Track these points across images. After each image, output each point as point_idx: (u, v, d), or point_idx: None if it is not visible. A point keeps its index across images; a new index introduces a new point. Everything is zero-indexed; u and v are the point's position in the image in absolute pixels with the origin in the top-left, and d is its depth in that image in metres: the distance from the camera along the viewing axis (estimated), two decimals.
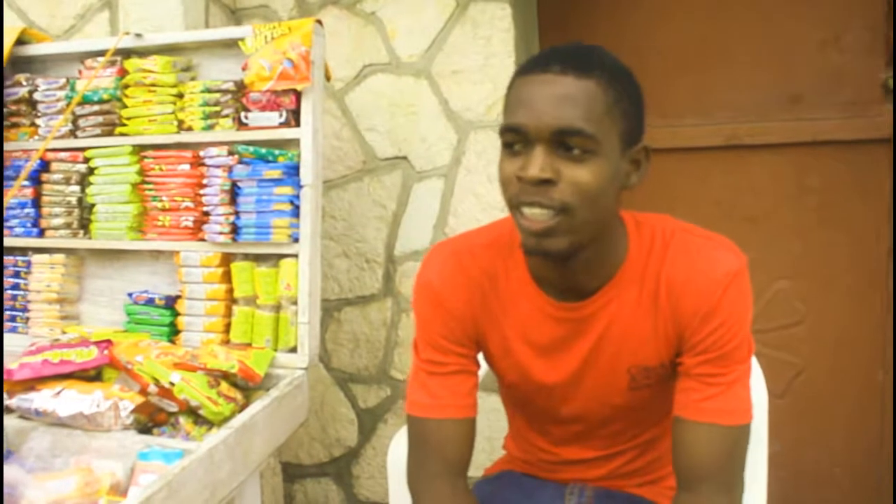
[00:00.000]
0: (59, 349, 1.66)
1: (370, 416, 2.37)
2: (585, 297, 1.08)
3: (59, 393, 1.57)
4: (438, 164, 2.20)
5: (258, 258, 1.87)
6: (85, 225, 1.99)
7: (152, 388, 1.59)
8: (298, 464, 2.47)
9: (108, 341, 1.75)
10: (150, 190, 1.91)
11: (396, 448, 1.44)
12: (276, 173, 1.79)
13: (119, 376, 1.66)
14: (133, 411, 1.55)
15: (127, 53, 1.94)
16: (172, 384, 1.57)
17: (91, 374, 1.66)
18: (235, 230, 1.83)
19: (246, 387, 1.70)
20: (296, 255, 1.80)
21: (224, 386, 1.63)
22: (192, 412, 1.60)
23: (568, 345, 1.11)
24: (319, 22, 1.81)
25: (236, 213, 1.84)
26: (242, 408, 1.63)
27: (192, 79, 1.93)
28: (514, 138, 0.98)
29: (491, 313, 1.14)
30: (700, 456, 1.02)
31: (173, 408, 1.60)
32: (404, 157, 2.23)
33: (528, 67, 1.00)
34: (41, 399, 1.57)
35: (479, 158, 2.16)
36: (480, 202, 2.17)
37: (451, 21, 2.13)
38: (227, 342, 1.86)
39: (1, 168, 1.99)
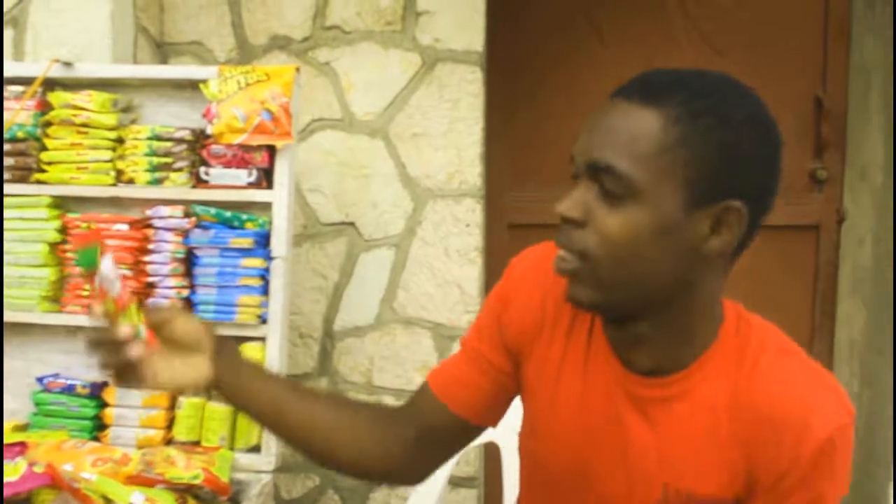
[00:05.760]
0: None
1: None
2: (652, 376, 0.87)
3: None
4: (390, 233, 2.00)
5: None
6: None
7: None
8: None
9: (22, 444, 1.39)
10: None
11: None
12: (246, 242, 1.52)
13: (57, 497, 1.29)
14: None
15: (50, 84, 1.59)
16: None
17: (21, 497, 1.28)
18: (190, 307, 1.54)
19: (212, 501, 1.40)
20: (261, 338, 1.55)
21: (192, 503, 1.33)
22: None
23: (609, 416, 0.89)
24: (297, 70, 1.59)
25: (191, 287, 1.54)
26: None
27: (133, 121, 1.62)
28: (572, 169, 0.84)
29: (548, 336, 0.94)
30: None
31: None
32: (351, 223, 2.01)
33: (614, 90, 0.84)
34: None
35: (437, 230, 1.99)
36: (436, 277, 2.00)
37: (415, 79, 1.97)
38: (169, 441, 1.54)
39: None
